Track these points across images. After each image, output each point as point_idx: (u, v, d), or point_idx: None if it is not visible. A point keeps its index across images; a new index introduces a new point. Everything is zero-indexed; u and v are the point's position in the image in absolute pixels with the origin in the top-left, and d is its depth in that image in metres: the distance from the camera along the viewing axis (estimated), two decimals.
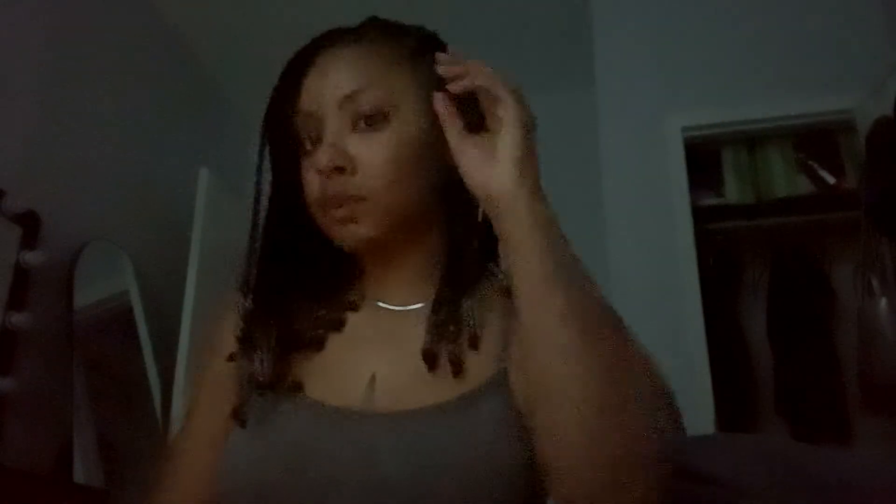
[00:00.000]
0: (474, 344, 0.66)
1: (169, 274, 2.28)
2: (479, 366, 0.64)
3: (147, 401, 2.08)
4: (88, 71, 2.14)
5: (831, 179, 2.34)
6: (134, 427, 2.03)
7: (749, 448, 0.65)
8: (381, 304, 0.73)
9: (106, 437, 1.88)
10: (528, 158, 0.60)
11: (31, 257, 1.74)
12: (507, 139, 0.60)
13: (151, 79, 2.47)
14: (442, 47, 0.74)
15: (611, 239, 2.18)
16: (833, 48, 2.17)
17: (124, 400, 2.06)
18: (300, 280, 0.73)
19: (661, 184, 2.18)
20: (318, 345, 0.70)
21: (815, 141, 2.36)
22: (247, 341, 0.68)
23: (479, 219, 0.75)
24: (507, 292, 0.68)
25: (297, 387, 0.67)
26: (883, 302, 1.88)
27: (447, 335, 0.66)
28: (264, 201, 0.71)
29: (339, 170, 0.66)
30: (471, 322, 0.67)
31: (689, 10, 2.36)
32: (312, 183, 0.68)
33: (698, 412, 1.91)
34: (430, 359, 0.65)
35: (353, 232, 0.68)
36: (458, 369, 0.64)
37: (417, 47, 0.72)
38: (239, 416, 0.66)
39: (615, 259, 2.14)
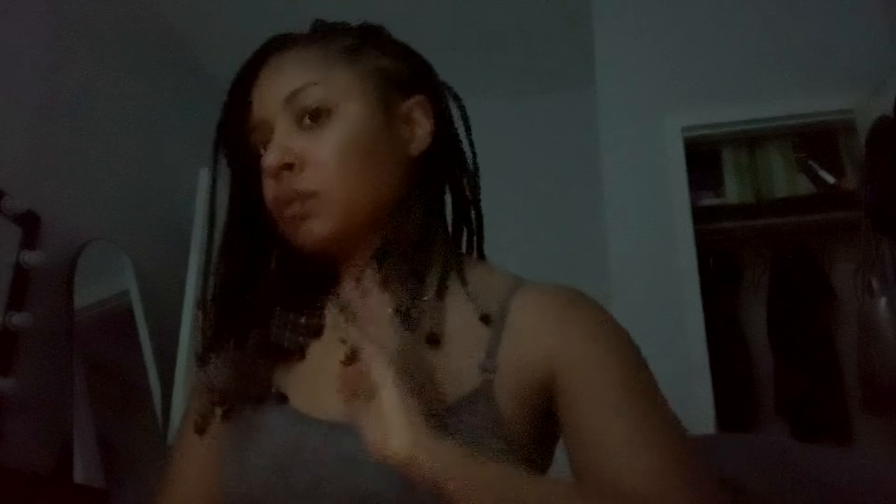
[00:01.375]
0: (433, 340, 0.64)
1: (169, 274, 2.28)
2: (463, 374, 0.63)
3: (147, 401, 2.08)
4: (88, 71, 2.13)
5: (831, 179, 2.34)
6: (134, 427, 2.03)
7: (749, 448, 0.65)
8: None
9: (106, 437, 1.88)
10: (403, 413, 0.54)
11: (31, 257, 1.74)
12: (380, 401, 0.55)
13: (151, 79, 2.47)
14: (384, 40, 0.75)
15: (611, 239, 2.18)
16: (833, 48, 2.17)
17: (124, 400, 2.06)
18: (277, 290, 0.72)
19: (661, 184, 2.18)
20: (300, 353, 0.70)
21: (815, 141, 2.36)
22: (204, 354, 0.69)
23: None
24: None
25: (283, 398, 0.67)
26: (883, 302, 1.88)
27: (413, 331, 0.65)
28: (223, 214, 0.72)
29: (288, 167, 0.66)
30: (431, 322, 0.65)
31: (689, 10, 2.35)
32: (267, 187, 0.68)
33: (698, 412, 1.91)
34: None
35: (308, 230, 0.67)
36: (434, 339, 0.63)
37: (356, 43, 0.72)
38: (198, 428, 0.66)
39: (615, 259, 2.14)
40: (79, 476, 1.74)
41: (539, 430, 0.63)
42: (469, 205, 0.77)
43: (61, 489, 1.70)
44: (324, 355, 0.70)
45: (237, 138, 0.71)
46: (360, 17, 0.77)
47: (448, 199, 0.77)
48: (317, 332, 0.71)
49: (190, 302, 2.22)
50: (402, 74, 0.73)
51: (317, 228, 0.67)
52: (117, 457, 1.91)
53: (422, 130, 0.72)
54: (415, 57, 0.76)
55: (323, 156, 0.66)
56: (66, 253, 1.90)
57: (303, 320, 0.71)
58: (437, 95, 0.75)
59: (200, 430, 0.67)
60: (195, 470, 0.69)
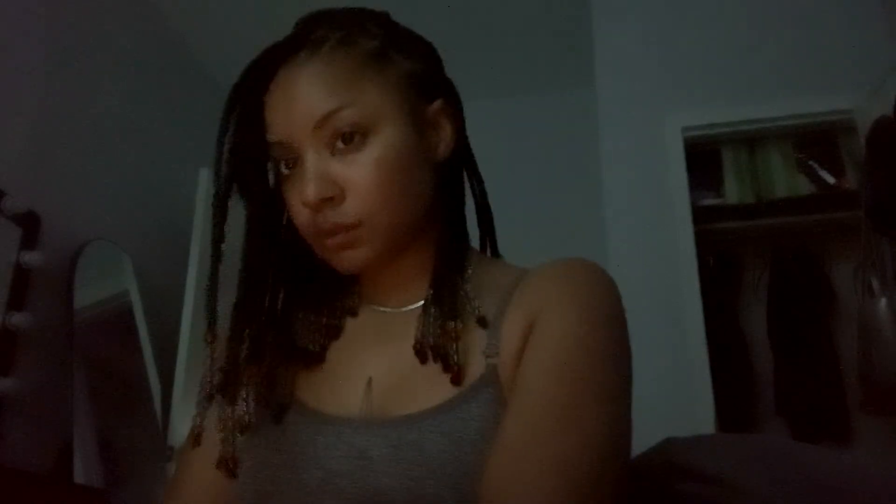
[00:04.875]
0: (455, 336, 0.64)
1: (169, 274, 2.28)
2: (470, 363, 0.63)
3: (147, 401, 2.08)
4: (88, 71, 2.13)
5: (831, 179, 2.34)
6: (134, 427, 2.03)
7: (749, 448, 0.65)
8: (378, 307, 0.72)
9: (106, 437, 1.88)
10: None
11: (31, 257, 1.74)
12: None
13: (152, 79, 2.47)
14: (404, 36, 0.72)
15: (611, 239, 2.18)
16: (833, 48, 2.17)
17: (124, 400, 2.06)
18: (296, 290, 0.72)
19: (661, 184, 2.18)
20: (320, 355, 0.70)
21: (815, 141, 2.36)
22: (227, 387, 0.65)
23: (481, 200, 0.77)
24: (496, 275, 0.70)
25: (297, 397, 0.67)
26: (883, 302, 1.88)
27: (443, 332, 0.64)
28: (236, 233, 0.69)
29: (328, 199, 0.64)
30: (458, 316, 0.65)
31: (689, 10, 2.36)
32: (300, 214, 0.65)
33: (698, 412, 1.91)
34: (423, 354, 0.64)
35: (351, 258, 0.66)
36: (456, 375, 0.62)
37: (380, 47, 0.68)
38: (227, 466, 0.63)
39: (615, 259, 2.14)
40: (79, 476, 1.74)
41: None
42: (478, 205, 0.77)
43: (61, 489, 1.71)
44: (342, 354, 0.70)
45: (250, 153, 0.68)
46: None
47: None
48: (337, 332, 0.71)
49: (190, 302, 2.22)
50: (424, 77, 0.71)
51: (360, 256, 0.66)
52: (117, 457, 1.91)
53: (446, 134, 0.71)
54: (430, 52, 0.75)
55: (364, 184, 0.64)
56: (66, 253, 1.90)
57: (324, 320, 0.71)
58: (453, 95, 0.74)
59: (231, 470, 0.64)
60: (200, 478, 0.69)
